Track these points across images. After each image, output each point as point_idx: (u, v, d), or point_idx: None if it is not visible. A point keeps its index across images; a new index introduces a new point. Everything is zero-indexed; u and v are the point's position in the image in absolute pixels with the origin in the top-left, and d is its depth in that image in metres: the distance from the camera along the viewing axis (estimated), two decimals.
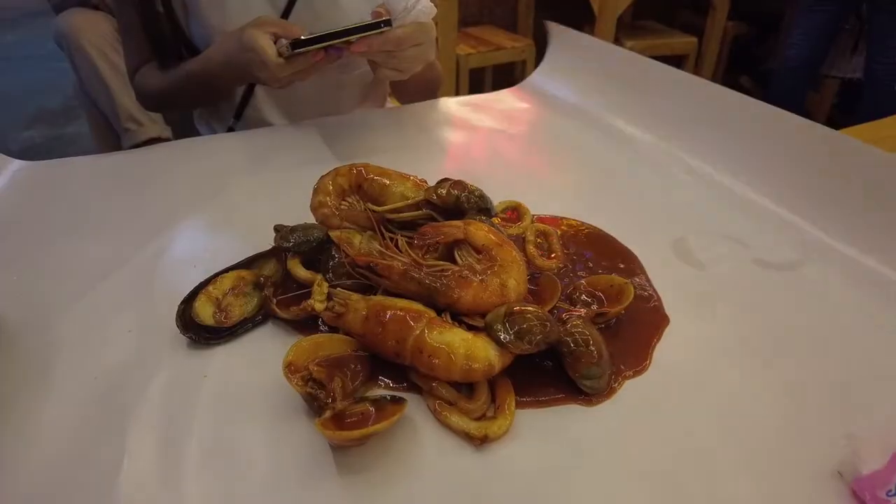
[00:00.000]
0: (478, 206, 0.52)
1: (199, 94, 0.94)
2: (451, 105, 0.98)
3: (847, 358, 0.48)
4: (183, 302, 0.49)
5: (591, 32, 2.59)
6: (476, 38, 2.81)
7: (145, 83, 0.93)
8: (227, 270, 0.53)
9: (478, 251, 0.48)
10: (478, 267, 0.47)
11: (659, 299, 0.53)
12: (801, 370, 0.46)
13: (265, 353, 0.47)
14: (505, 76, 3.02)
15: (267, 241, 0.57)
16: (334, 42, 0.71)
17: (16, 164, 0.77)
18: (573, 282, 0.54)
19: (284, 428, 0.41)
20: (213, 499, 0.37)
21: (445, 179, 0.58)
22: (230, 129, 1.02)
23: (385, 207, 0.54)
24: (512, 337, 0.42)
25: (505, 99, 1.00)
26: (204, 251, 0.60)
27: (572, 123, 0.91)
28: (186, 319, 0.48)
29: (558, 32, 1.06)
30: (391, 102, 1.19)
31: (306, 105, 1.03)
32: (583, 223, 0.65)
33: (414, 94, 1.07)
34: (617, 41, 2.60)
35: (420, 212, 0.53)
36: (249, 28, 0.74)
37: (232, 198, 0.71)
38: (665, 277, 0.56)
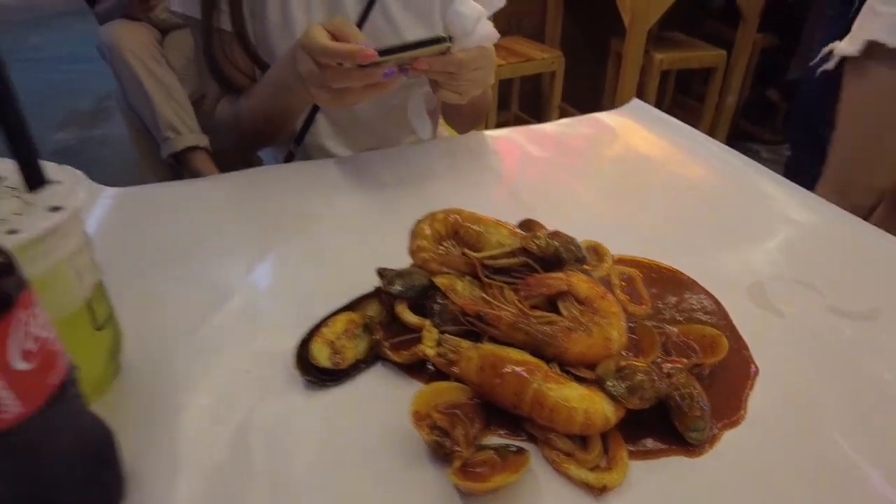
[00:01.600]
0: (575, 256, 0.55)
1: (263, 112, 0.93)
2: (515, 135, 1.00)
3: None
4: (300, 344, 0.52)
5: (621, 46, 2.62)
6: (505, 49, 2.83)
7: (219, 113, 0.96)
8: (337, 312, 0.56)
9: (580, 302, 0.51)
10: (582, 319, 0.50)
11: (746, 347, 0.56)
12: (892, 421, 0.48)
13: (379, 396, 0.50)
14: (532, 87, 3.05)
15: (362, 280, 0.59)
16: (399, 56, 0.70)
17: (108, 191, 0.80)
18: (662, 329, 0.56)
19: (407, 474, 0.44)
20: None
21: (532, 225, 0.61)
22: (290, 154, 1.05)
23: (483, 254, 0.56)
24: (624, 392, 0.45)
25: (566, 129, 1.02)
26: (303, 286, 0.63)
27: (639, 157, 0.93)
28: (304, 361, 0.51)
29: (639, 109, 1.07)
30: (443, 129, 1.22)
31: (364, 133, 1.06)
32: (660, 264, 0.67)
33: (462, 115, 1.10)
34: (646, 54, 2.61)
35: (516, 259, 0.56)
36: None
37: (319, 229, 0.73)
38: (746, 324, 0.58)
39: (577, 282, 0.51)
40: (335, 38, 0.71)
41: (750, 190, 0.83)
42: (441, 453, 0.44)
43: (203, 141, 2.25)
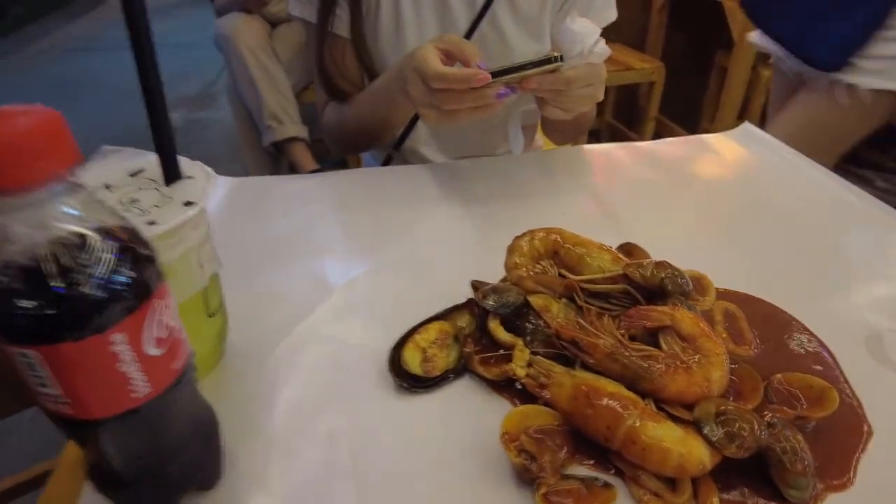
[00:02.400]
0: (682, 290, 0.53)
1: (367, 120, 0.96)
2: (615, 151, 0.98)
3: None
4: (394, 349, 0.54)
5: (727, 59, 2.49)
6: None
7: (325, 116, 1.00)
8: (430, 320, 0.57)
9: (683, 339, 0.49)
10: (683, 356, 0.48)
11: (860, 405, 0.52)
12: None
13: (465, 409, 0.50)
14: (629, 96, 2.96)
15: (455, 291, 0.60)
16: (510, 77, 0.70)
17: (219, 180, 0.85)
18: (768, 376, 0.53)
19: (488, 493, 0.44)
20: None
21: (630, 249, 0.59)
22: (388, 158, 1.08)
23: (582, 277, 0.56)
24: (723, 438, 0.43)
25: (670, 147, 0.98)
26: (398, 291, 0.64)
27: (745, 185, 0.89)
28: (397, 366, 0.53)
29: (749, 134, 1.02)
30: (539, 138, 1.22)
31: (460, 141, 1.07)
32: (766, 302, 0.63)
33: (564, 130, 1.08)
34: (754, 69, 2.47)
35: (616, 286, 0.55)
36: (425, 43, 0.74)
37: (415, 235, 0.75)
38: (860, 378, 0.54)
39: (682, 317, 0.49)
40: (447, 55, 0.72)
41: (867, 230, 0.77)
42: (527, 477, 0.44)
43: (303, 132, 2.36)
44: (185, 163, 0.50)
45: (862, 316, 0.62)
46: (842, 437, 0.49)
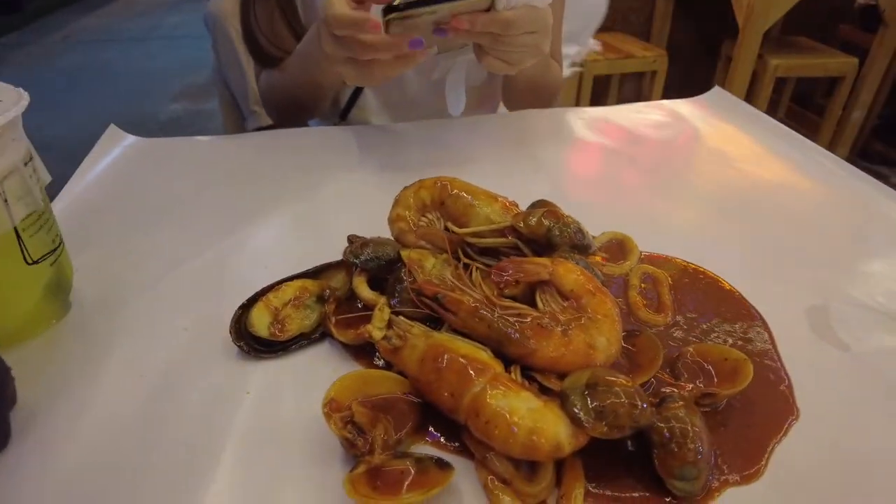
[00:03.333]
0: (572, 241, 0.45)
1: (298, 86, 0.88)
2: (569, 116, 0.89)
3: None
4: (241, 307, 0.46)
5: (732, 47, 2.38)
6: (605, 44, 2.67)
7: (260, 83, 0.94)
8: (292, 278, 0.49)
9: (565, 297, 0.41)
10: (562, 317, 0.40)
11: (790, 384, 0.43)
12: None
13: (315, 378, 0.43)
14: (632, 86, 2.86)
15: (341, 250, 0.53)
16: (431, 10, 0.58)
17: (129, 139, 0.79)
18: (679, 346, 0.45)
19: (317, 471, 0.37)
20: None
21: (540, 204, 0.51)
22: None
23: (466, 230, 0.48)
24: (591, 415, 0.34)
25: (632, 114, 0.89)
26: (278, 252, 0.58)
27: (710, 152, 0.79)
28: (241, 327, 0.45)
29: (721, 99, 0.93)
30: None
31: (412, 109, 0.99)
32: (701, 269, 0.55)
33: (525, 100, 1.00)
34: (759, 58, 2.36)
35: (504, 239, 0.47)
36: None
37: (319, 196, 0.68)
38: (798, 356, 0.45)
39: (564, 272, 0.41)
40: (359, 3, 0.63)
41: (838, 195, 0.68)
42: (352, 453, 0.36)
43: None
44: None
45: (811, 289, 0.53)
46: (760, 421, 0.40)
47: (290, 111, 0.96)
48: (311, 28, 0.78)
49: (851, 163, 0.73)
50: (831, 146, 2.62)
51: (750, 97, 2.45)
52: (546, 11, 0.67)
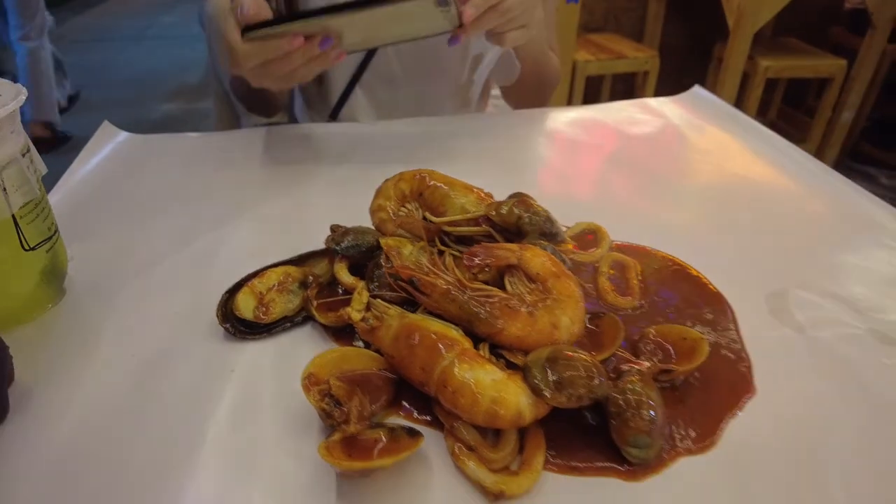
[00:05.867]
0: (541, 229, 0.47)
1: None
2: (552, 115, 0.92)
3: None
4: (227, 292, 0.49)
5: (723, 49, 2.41)
6: (597, 45, 2.71)
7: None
8: (277, 265, 0.52)
9: (532, 280, 0.43)
10: (528, 298, 0.42)
11: (749, 364, 0.45)
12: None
13: (296, 357, 0.45)
14: (625, 87, 2.89)
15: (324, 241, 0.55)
16: (295, 27, 0.56)
17: (122, 135, 0.82)
18: (644, 328, 0.47)
19: (294, 441, 0.39)
20: (208, 497, 0.36)
21: (515, 196, 0.54)
22: None
23: (442, 219, 0.50)
24: (550, 386, 0.37)
25: (613, 112, 0.92)
26: (265, 242, 0.60)
27: (687, 148, 0.82)
28: (227, 311, 0.48)
29: (700, 98, 0.95)
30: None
31: (401, 109, 1.01)
32: (672, 258, 0.57)
33: (524, 92, 1.01)
34: (751, 59, 2.39)
35: (479, 228, 0.49)
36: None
37: (305, 190, 0.70)
38: (761, 338, 0.48)
39: (531, 256, 0.43)
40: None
41: (807, 190, 0.70)
42: (329, 424, 0.38)
43: (283, 119, 2.31)
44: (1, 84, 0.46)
45: (775, 275, 0.55)
46: (717, 397, 0.43)
47: (253, 99, 0.97)
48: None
49: (841, 164, 0.76)
50: (821, 147, 2.66)
51: (741, 98, 2.49)
52: None
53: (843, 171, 0.73)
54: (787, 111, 2.91)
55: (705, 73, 2.80)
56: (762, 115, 2.89)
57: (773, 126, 0.88)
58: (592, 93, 2.77)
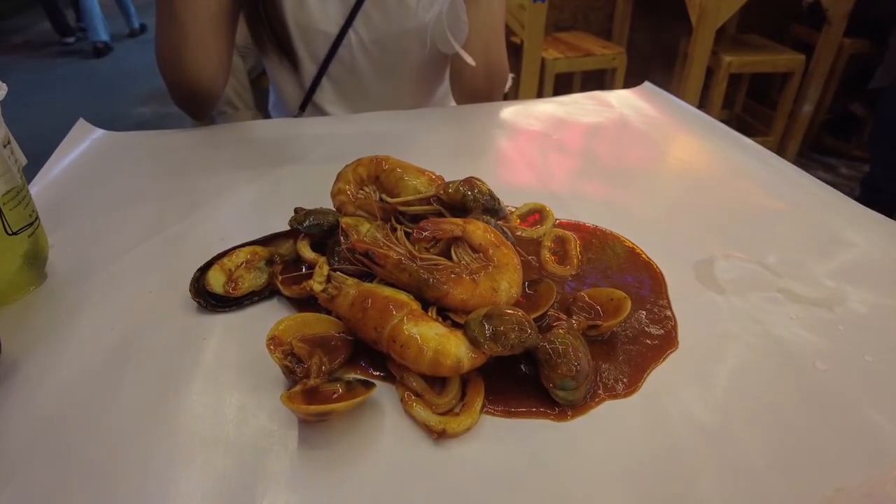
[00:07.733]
0: (484, 205, 0.52)
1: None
2: (509, 108, 0.97)
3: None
4: (199, 270, 0.53)
5: (687, 45, 2.49)
6: (566, 43, 2.77)
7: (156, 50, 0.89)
8: (245, 245, 0.56)
9: (475, 250, 0.48)
10: (472, 266, 0.47)
11: (675, 323, 0.51)
12: (790, 428, 0.43)
13: (263, 326, 0.49)
14: (594, 84, 2.96)
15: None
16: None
17: (98, 132, 0.85)
18: (574, 291, 0.52)
19: (260, 396, 0.44)
20: (180, 449, 0.40)
21: (471, 182, 0.58)
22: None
23: (397, 199, 0.55)
24: (487, 337, 0.42)
25: (565, 105, 0.97)
26: (234, 227, 0.64)
27: (631, 135, 0.88)
28: (199, 287, 0.52)
29: (651, 92, 1.02)
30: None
31: (368, 100, 1.06)
32: (613, 233, 0.63)
33: (472, 88, 1.06)
34: (714, 55, 2.47)
35: (430, 206, 0.54)
36: None
37: (272, 179, 0.74)
38: (687, 300, 0.53)
39: (473, 229, 0.48)
40: None
41: (738, 170, 0.76)
42: (292, 379, 0.43)
43: (258, 118, 2.34)
44: None
45: (702, 245, 0.61)
46: (643, 351, 0.48)
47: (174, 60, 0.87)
48: None
49: (803, 155, 0.82)
50: (784, 139, 2.76)
51: (705, 92, 2.57)
52: None
53: (804, 162, 0.79)
54: (752, 105, 3.01)
55: (672, 69, 2.88)
56: (728, 109, 2.99)
57: (737, 119, 0.94)
58: (563, 90, 2.82)
